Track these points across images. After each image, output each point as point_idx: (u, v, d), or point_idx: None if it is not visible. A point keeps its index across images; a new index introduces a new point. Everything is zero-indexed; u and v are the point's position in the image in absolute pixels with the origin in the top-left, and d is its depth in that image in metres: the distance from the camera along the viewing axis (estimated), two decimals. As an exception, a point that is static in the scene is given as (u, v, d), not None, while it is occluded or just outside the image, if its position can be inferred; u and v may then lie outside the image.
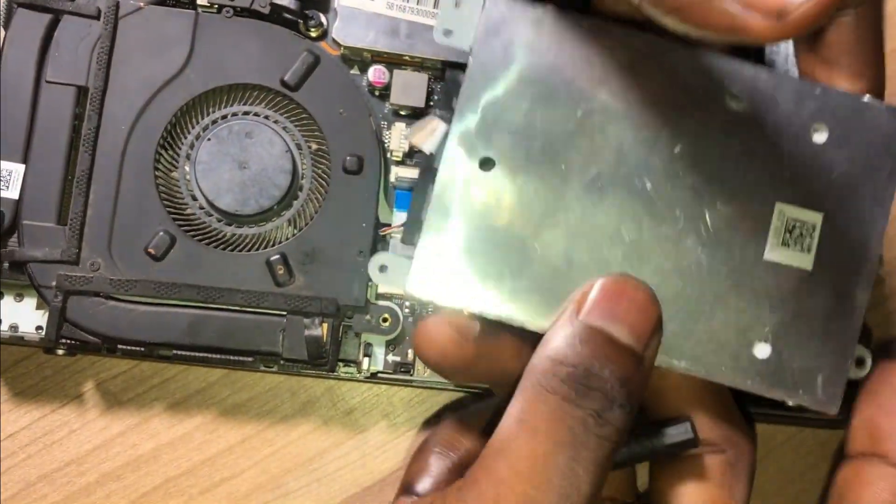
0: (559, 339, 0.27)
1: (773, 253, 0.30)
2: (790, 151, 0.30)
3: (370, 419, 0.42)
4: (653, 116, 0.30)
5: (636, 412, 0.27)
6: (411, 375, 0.40)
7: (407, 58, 0.40)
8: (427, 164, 0.30)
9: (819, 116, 0.30)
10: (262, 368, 0.40)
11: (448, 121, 0.30)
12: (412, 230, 0.30)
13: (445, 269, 0.29)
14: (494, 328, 0.29)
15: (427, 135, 0.30)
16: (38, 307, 0.39)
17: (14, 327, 0.39)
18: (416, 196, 0.31)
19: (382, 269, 0.30)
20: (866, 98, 0.30)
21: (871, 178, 0.30)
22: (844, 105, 0.30)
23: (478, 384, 0.30)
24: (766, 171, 0.30)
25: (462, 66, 0.30)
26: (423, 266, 0.29)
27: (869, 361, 0.31)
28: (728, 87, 0.30)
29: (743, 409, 0.33)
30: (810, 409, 0.30)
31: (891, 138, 0.30)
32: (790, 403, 0.30)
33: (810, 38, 0.29)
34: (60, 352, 0.38)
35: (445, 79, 0.29)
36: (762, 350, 0.30)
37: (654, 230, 0.30)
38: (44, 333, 0.38)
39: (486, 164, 0.29)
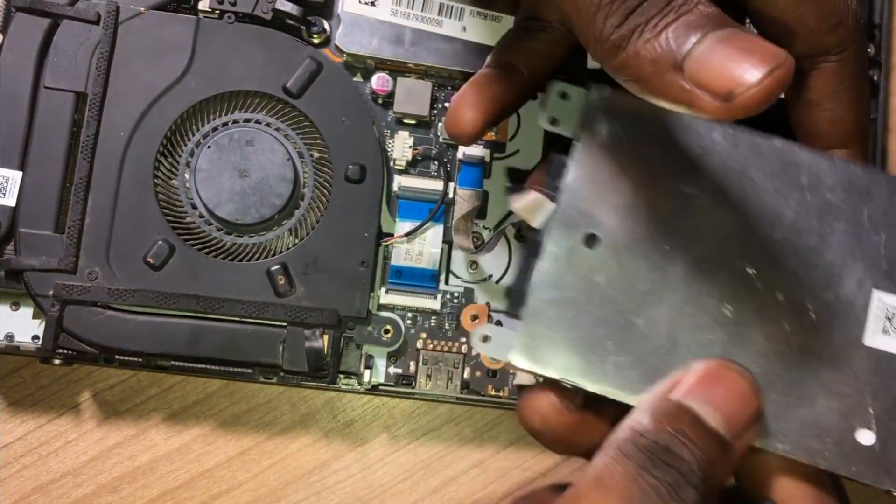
0: (645, 411, 0.27)
1: (873, 339, 0.30)
2: (890, 243, 0.30)
3: (371, 431, 0.42)
4: (754, 202, 0.30)
5: (717, 494, 0.27)
6: (413, 388, 0.39)
7: (411, 65, 0.40)
8: (532, 238, 0.31)
9: None
10: (262, 380, 0.39)
11: (554, 198, 0.31)
12: (516, 302, 0.31)
13: (549, 342, 0.30)
14: (596, 400, 0.30)
15: (533, 209, 0.31)
16: (35, 316, 0.38)
17: (10, 336, 0.38)
18: (521, 268, 0.31)
19: (486, 339, 0.30)
20: None
21: None
22: None
23: (578, 454, 0.31)
24: (865, 260, 0.30)
25: (564, 146, 0.31)
26: (528, 338, 0.30)
27: None
28: (824, 180, 0.31)
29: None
30: None
31: None
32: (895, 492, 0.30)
33: (795, 80, 0.30)
34: (57, 361, 0.38)
35: (550, 160, 0.31)
36: (866, 437, 0.29)
37: (757, 313, 0.30)
38: (40, 343, 0.37)
39: (592, 241, 0.30)
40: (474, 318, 0.40)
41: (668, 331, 0.30)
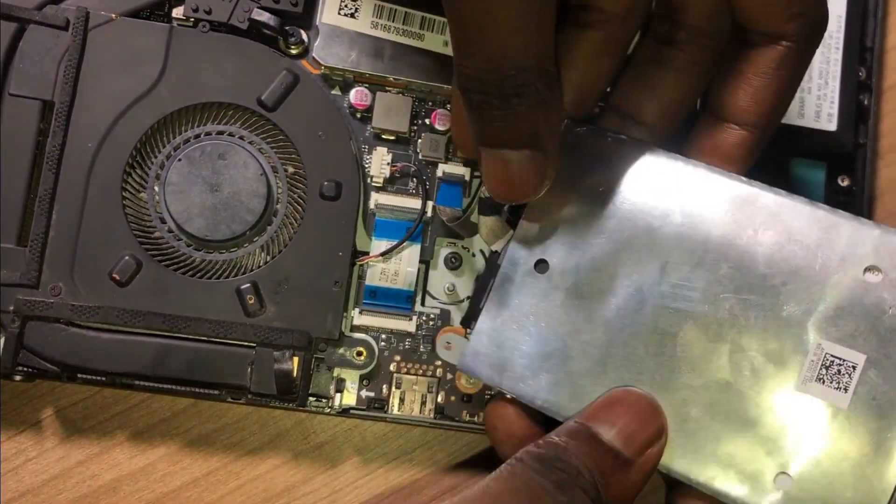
0: (554, 433, 0.30)
1: (807, 386, 0.30)
2: (838, 289, 0.30)
3: (342, 454, 0.41)
4: (699, 239, 0.31)
5: None
6: (385, 412, 0.38)
7: (391, 80, 0.39)
8: (492, 260, 0.34)
9: (875, 258, 0.30)
10: (230, 400, 0.38)
11: (513, 224, 0.34)
12: (471, 316, 0.34)
13: (494, 354, 0.33)
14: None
15: (492, 233, 0.35)
16: (-5, 331, 0.37)
17: (-31, 351, 0.37)
18: (478, 286, 0.35)
19: (447, 344, 0.34)
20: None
21: None
22: None
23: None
24: (809, 304, 0.30)
25: None
26: (475, 348, 0.33)
27: None
28: (782, 220, 0.31)
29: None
30: None
31: None
32: None
33: (738, 52, 0.31)
34: (18, 378, 0.37)
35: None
36: (784, 481, 0.30)
37: (689, 346, 0.31)
38: (-1, 360, 0.36)
39: (541, 265, 0.33)
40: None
41: (601, 356, 0.32)
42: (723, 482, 0.30)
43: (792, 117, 0.41)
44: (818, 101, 0.41)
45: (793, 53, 0.31)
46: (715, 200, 0.31)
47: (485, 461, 0.41)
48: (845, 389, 0.30)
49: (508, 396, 0.33)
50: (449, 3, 0.27)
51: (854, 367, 0.30)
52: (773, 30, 0.30)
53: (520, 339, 0.33)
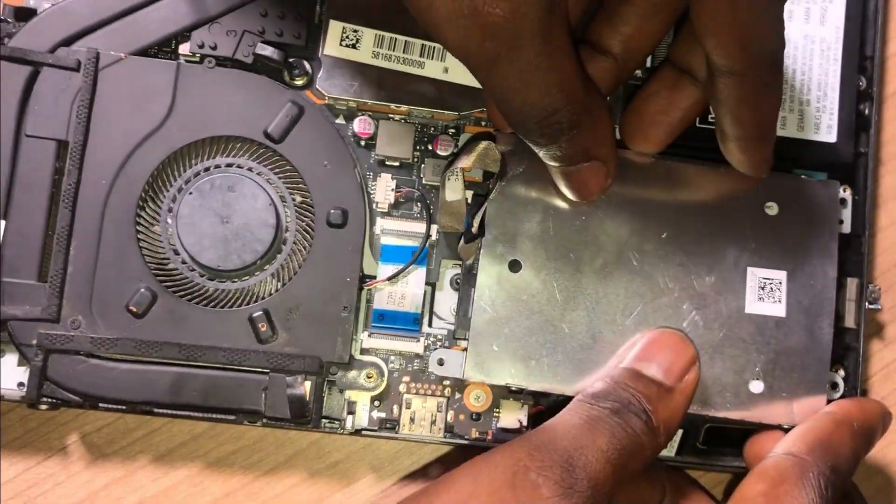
0: (598, 379, 0.35)
1: (752, 307, 0.38)
2: (752, 226, 0.38)
3: (357, 471, 0.42)
4: (640, 212, 0.38)
5: (663, 441, 0.34)
6: (396, 432, 0.39)
7: (393, 108, 0.40)
8: (467, 270, 0.39)
9: (769, 195, 0.38)
10: (246, 423, 0.39)
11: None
12: (461, 326, 0.39)
13: (492, 356, 0.36)
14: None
15: (472, 251, 0.38)
16: (20, 363, 0.38)
17: (-4, 383, 0.39)
18: (462, 298, 0.39)
19: (441, 362, 0.38)
20: (803, 175, 0.40)
21: (818, 237, 0.38)
22: (787, 183, 0.39)
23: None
24: (736, 244, 0.38)
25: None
26: (475, 356, 0.36)
27: (840, 384, 0.40)
28: (694, 184, 0.38)
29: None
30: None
31: (826, 204, 0.39)
32: (785, 426, 0.37)
33: (711, 86, 0.33)
34: (43, 407, 0.38)
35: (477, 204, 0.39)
36: (757, 386, 0.37)
37: (656, 301, 0.37)
38: (25, 391, 0.38)
39: (515, 266, 0.37)
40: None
41: (588, 328, 0.37)
42: (714, 404, 0.37)
43: (791, 130, 0.41)
44: (817, 113, 0.41)
45: (746, 83, 0.32)
46: (644, 179, 0.38)
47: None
48: (780, 301, 0.38)
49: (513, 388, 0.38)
50: (474, 72, 0.31)
51: (781, 283, 0.38)
52: (724, 65, 0.32)
53: (512, 336, 0.36)
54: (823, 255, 0.38)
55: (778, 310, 0.38)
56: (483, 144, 0.38)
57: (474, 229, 0.38)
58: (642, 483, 0.38)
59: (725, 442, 0.40)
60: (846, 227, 0.41)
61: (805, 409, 0.37)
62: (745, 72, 0.32)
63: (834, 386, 0.40)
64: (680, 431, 0.39)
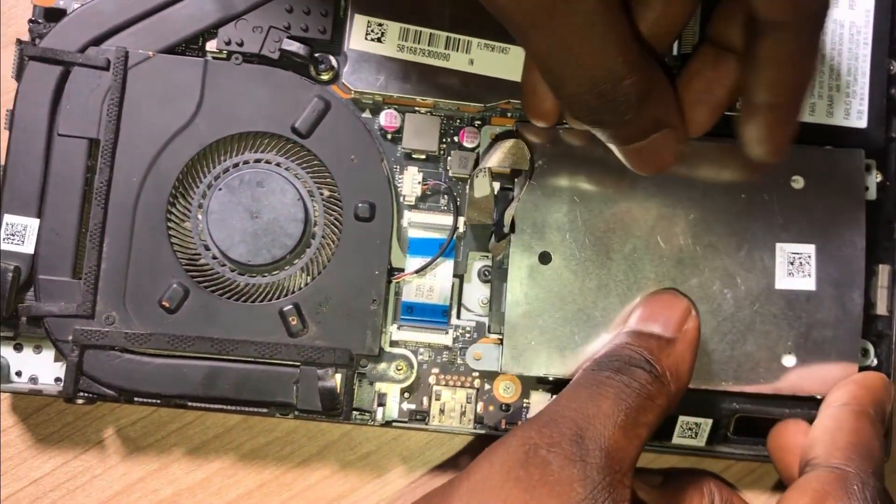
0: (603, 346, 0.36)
1: (782, 282, 0.38)
2: (778, 201, 0.38)
3: (388, 462, 0.42)
4: (667, 195, 0.38)
5: (674, 388, 0.34)
6: (426, 424, 0.40)
7: (419, 101, 0.40)
8: (498, 265, 0.39)
9: (794, 169, 0.38)
10: (278, 416, 0.40)
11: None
12: (496, 321, 0.39)
13: (529, 349, 0.37)
14: None
15: (502, 248, 0.39)
16: (57, 359, 0.39)
17: (34, 379, 0.39)
18: (494, 293, 0.39)
19: (477, 357, 0.39)
20: (828, 147, 0.39)
21: (845, 208, 0.38)
22: (811, 156, 0.39)
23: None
24: (763, 220, 0.38)
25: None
26: (512, 349, 0.37)
27: (872, 350, 0.40)
28: (718, 163, 0.38)
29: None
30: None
31: (851, 174, 0.39)
32: (819, 397, 0.38)
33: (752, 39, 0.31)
34: (80, 401, 0.39)
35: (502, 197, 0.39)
36: (789, 360, 0.38)
37: (686, 283, 0.38)
38: (62, 386, 0.38)
39: (545, 258, 0.38)
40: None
41: (622, 314, 0.37)
42: (748, 380, 0.38)
43: (821, 116, 0.41)
44: (847, 99, 0.41)
45: (791, 38, 0.30)
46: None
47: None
48: (809, 275, 0.38)
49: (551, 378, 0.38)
50: (527, 44, 0.29)
51: (810, 256, 0.38)
52: (776, 18, 0.30)
53: (547, 327, 0.37)
54: (851, 225, 0.38)
55: (808, 284, 0.38)
56: (511, 143, 0.38)
57: (506, 229, 0.38)
58: (689, 489, 0.38)
59: (755, 432, 0.40)
60: (871, 194, 0.40)
61: (837, 378, 0.38)
62: (790, 25, 0.30)
63: (865, 353, 0.39)
64: (710, 422, 0.39)
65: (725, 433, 0.40)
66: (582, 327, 0.37)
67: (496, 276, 0.39)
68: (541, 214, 0.38)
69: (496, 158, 0.38)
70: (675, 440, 0.40)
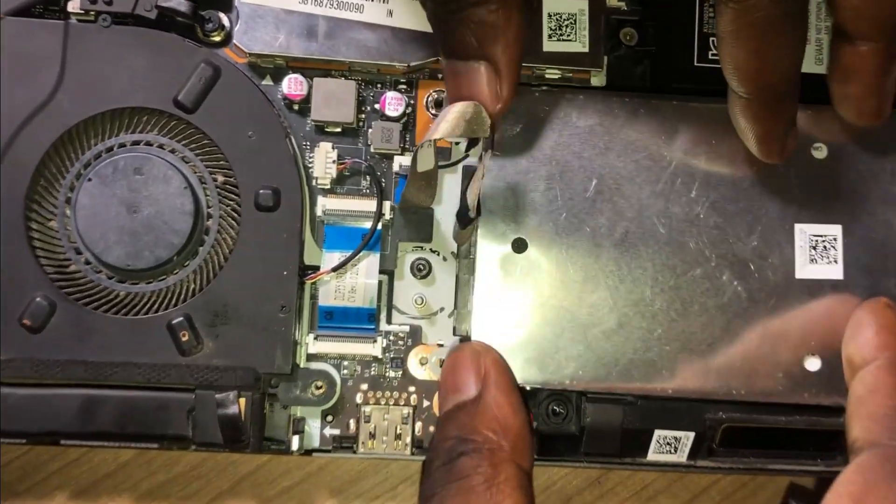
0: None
1: (803, 270, 0.33)
2: (797, 174, 0.33)
3: (315, 496, 0.36)
4: (662, 166, 0.33)
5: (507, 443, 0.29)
6: (354, 451, 0.33)
7: (329, 62, 0.34)
8: (464, 256, 0.34)
9: (815, 135, 0.33)
10: (176, 449, 0.33)
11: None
12: (461, 320, 0.33)
13: (503, 353, 0.32)
14: None
15: (468, 235, 0.33)
16: None
17: None
18: (461, 288, 0.34)
19: (423, 360, 0.34)
20: None
21: (876, 181, 0.33)
22: (834, 117, 0.32)
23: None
24: (779, 197, 0.33)
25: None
26: None
27: None
28: (723, 128, 0.32)
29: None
30: None
31: (884, 139, 0.33)
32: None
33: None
34: (-68, 443, 0.32)
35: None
36: (813, 363, 0.32)
37: (690, 273, 0.33)
38: None
39: (519, 245, 0.32)
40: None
41: (611, 312, 0.32)
42: (763, 390, 0.32)
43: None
44: None
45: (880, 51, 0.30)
46: (663, 126, 0.33)
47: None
48: (835, 261, 0.33)
49: (528, 388, 0.32)
50: (721, 49, 0.29)
51: (835, 239, 0.33)
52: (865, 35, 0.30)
53: (523, 329, 0.32)
54: (885, 201, 0.33)
55: (834, 271, 0.33)
56: (463, 105, 0.31)
57: (471, 213, 0.32)
58: None
59: (744, 442, 0.34)
60: None
61: None
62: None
63: None
64: (691, 435, 0.33)
65: (711, 445, 0.34)
66: (565, 328, 0.32)
67: (462, 269, 0.34)
68: (512, 194, 0.32)
69: (446, 127, 0.31)
70: (652, 456, 0.33)
